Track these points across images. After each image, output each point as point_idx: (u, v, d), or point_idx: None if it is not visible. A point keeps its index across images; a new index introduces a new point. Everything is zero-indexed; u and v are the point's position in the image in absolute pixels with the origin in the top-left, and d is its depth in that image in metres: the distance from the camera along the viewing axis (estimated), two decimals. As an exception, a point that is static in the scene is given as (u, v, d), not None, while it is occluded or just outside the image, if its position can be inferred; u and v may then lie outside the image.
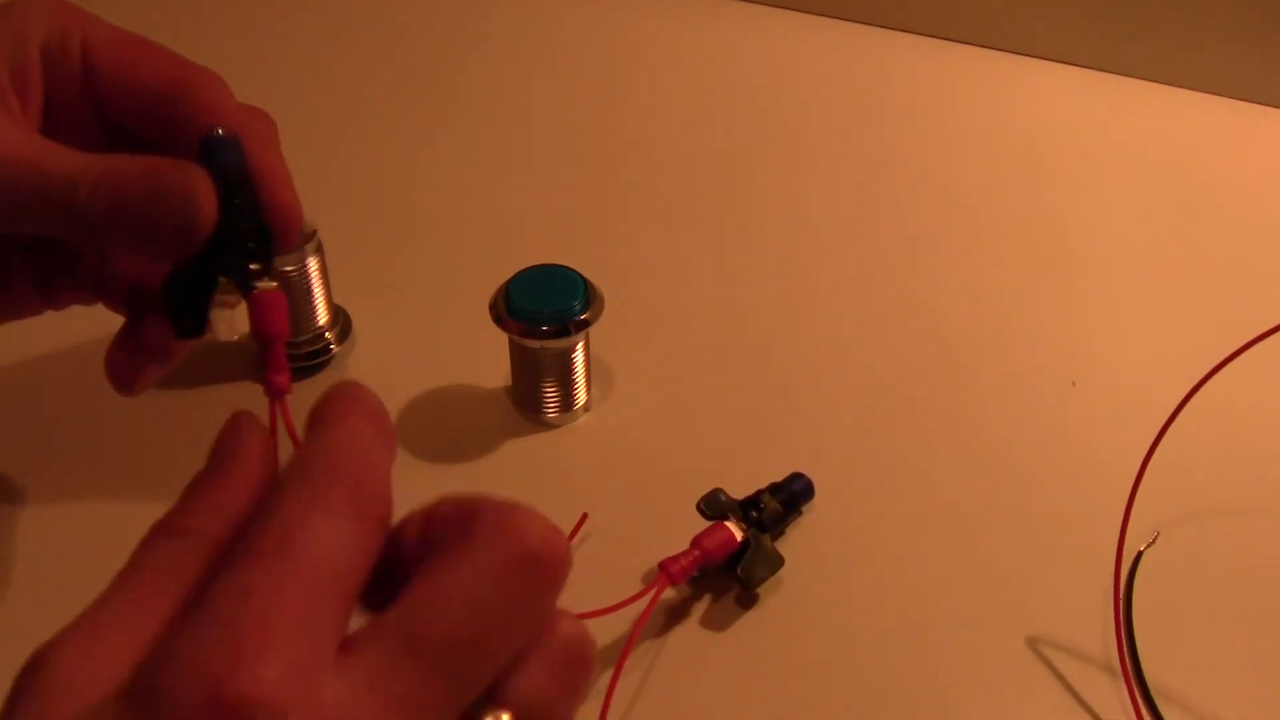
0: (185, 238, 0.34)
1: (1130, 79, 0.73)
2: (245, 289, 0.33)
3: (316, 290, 0.51)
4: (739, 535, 0.42)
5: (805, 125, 0.70)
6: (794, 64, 0.75)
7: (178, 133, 0.37)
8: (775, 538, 0.45)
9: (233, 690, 0.22)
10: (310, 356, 0.51)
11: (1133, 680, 0.40)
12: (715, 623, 0.43)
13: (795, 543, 0.45)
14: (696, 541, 0.42)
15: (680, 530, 0.45)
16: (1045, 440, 0.50)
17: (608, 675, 0.39)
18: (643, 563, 0.44)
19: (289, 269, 0.49)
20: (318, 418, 0.28)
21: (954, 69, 0.75)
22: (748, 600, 0.43)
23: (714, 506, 0.44)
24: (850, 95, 0.73)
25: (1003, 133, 0.69)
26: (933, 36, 0.77)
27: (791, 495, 0.46)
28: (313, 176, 0.65)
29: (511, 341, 0.48)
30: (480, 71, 0.74)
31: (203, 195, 0.34)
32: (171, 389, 0.51)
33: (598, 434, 0.50)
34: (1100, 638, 0.42)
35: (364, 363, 0.53)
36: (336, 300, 0.53)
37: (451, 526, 0.26)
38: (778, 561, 0.43)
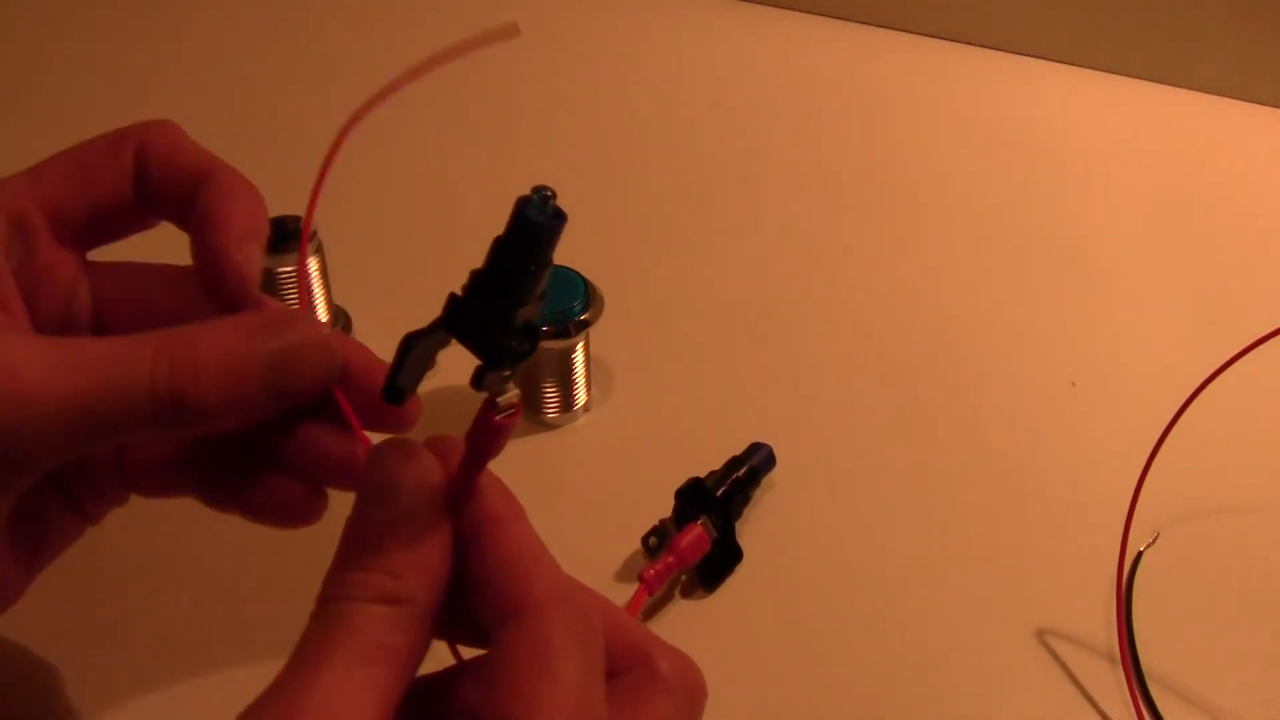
0: (327, 383, 0.31)
1: (1130, 79, 0.73)
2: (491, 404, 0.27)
3: (316, 290, 0.51)
4: (710, 534, 0.43)
5: (805, 125, 0.70)
6: (794, 64, 0.75)
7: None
8: (736, 516, 0.45)
9: None
10: (310, 356, 0.51)
11: (1133, 678, 0.40)
12: (691, 613, 0.43)
13: (794, 531, 0.45)
14: (672, 547, 0.42)
15: (680, 530, 0.45)
16: (1044, 438, 0.50)
17: None
18: (643, 561, 0.44)
19: (288, 269, 0.49)
20: (505, 546, 0.27)
21: (954, 69, 0.75)
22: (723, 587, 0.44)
23: (685, 499, 0.44)
24: (850, 95, 0.73)
25: (1003, 133, 0.69)
26: (933, 36, 0.77)
27: (753, 470, 0.46)
28: (313, 176, 0.65)
29: (511, 341, 0.48)
30: (480, 71, 0.74)
31: (331, 341, 0.31)
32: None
33: (598, 434, 0.50)
34: (1103, 635, 0.42)
35: (364, 363, 0.53)
36: (336, 300, 0.53)
37: (633, 662, 0.29)
38: (736, 558, 0.44)
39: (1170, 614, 0.43)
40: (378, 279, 0.57)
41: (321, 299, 0.51)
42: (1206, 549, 0.46)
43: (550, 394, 0.49)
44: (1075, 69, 0.74)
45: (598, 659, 0.26)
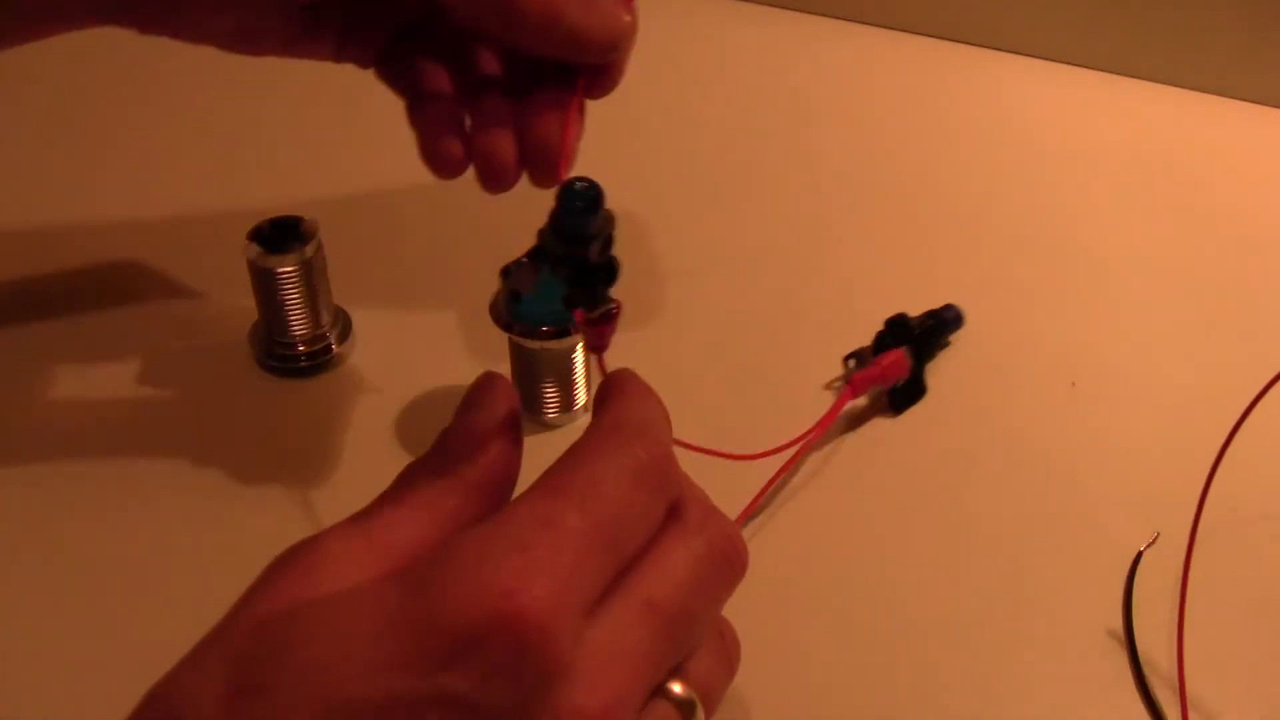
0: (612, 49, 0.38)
1: (1130, 79, 0.73)
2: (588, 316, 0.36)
3: (317, 290, 0.51)
4: (909, 364, 0.49)
5: (805, 125, 0.70)
6: (794, 64, 0.75)
7: None
8: (929, 358, 0.51)
9: (516, 605, 0.24)
10: (310, 357, 0.51)
11: (1140, 678, 0.40)
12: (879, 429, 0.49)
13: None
14: (877, 363, 0.48)
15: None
16: (1045, 439, 0.50)
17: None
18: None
19: (288, 269, 0.49)
20: (616, 391, 0.33)
21: (954, 69, 0.75)
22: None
23: (889, 330, 0.51)
24: (850, 95, 0.73)
25: (1003, 133, 0.69)
26: (933, 36, 0.77)
27: (943, 322, 0.52)
28: (313, 176, 0.65)
29: (511, 342, 0.48)
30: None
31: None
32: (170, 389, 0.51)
33: (598, 434, 0.50)
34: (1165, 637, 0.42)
35: (364, 363, 0.53)
36: (336, 300, 0.53)
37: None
38: (921, 392, 0.50)
39: (1169, 614, 0.43)
40: (378, 279, 0.57)
41: (322, 299, 0.51)
42: (1207, 550, 0.45)
43: (550, 394, 0.49)
44: (1075, 69, 0.74)
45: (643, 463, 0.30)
